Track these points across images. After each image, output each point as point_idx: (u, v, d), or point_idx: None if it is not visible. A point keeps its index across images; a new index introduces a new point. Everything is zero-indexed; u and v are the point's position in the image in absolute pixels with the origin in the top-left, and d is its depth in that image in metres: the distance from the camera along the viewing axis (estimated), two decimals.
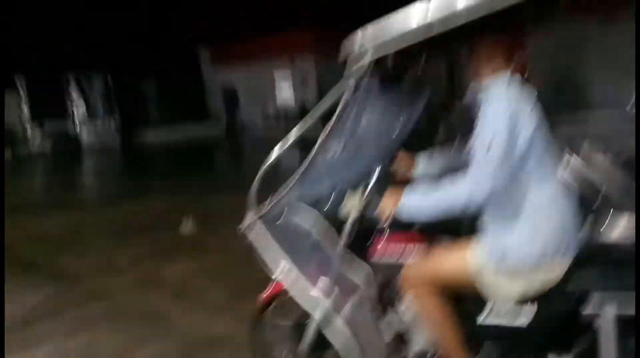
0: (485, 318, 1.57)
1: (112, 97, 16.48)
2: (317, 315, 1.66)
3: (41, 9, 14.57)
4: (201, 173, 9.43)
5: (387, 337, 1.78)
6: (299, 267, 1.67)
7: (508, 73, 1.49)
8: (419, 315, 1.67)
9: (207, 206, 6.04)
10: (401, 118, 1.89)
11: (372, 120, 1.76)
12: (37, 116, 15.01)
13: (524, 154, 1.43)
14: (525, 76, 1.52)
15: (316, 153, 1.61)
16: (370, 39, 1.53)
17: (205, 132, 16.99)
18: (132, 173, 11.16)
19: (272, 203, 1.70)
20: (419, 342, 1.74)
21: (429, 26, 1.37)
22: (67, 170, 11.93)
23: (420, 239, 1.71)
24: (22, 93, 15.15)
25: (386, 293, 1.81)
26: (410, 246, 1.72)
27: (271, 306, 1.98)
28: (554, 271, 1.47)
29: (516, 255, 1.49)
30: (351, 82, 1.56)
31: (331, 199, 1.81)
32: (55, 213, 6.37)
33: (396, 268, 1.71)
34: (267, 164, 1.69)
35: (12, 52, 14.29)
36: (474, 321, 1.59)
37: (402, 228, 1.72)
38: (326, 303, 1.64)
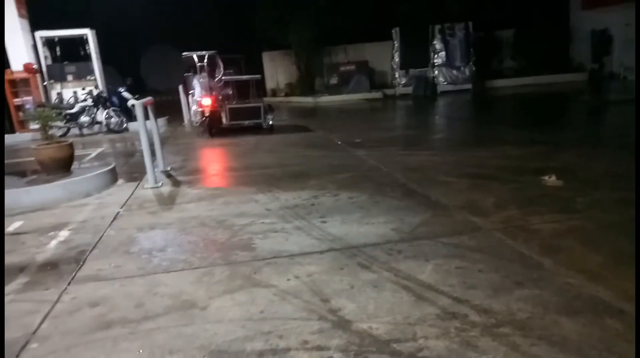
0: None
1: (470, 46, 17.93)
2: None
3: None
4: (554, 124, 8.98)
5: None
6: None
7: None
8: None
9: (561, 160, 5.69)
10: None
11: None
12: (405, 63, 18.02)
13: None
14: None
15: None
16: None
17: (566, 81, 17.14)
18: (481, 119, 11.58)
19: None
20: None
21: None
22: (421, 112, 13.57)
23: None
24: (396, 44, 18.18)
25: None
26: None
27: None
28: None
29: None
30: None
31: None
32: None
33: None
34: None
35: (393, 9, 17.72)
36: None
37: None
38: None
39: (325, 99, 17.73)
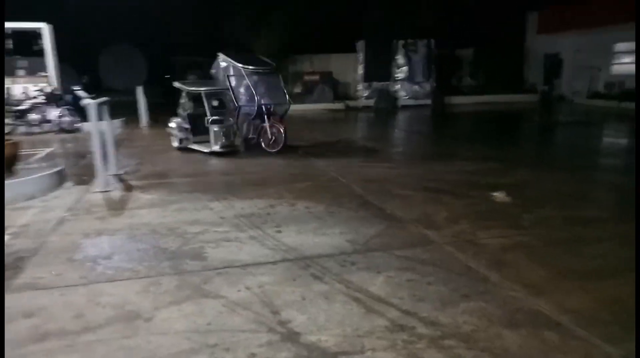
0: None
1: (432, 62, 18.19)
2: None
3: None
4: (506, 142, 9.30)
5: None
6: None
7: None
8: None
9: (512, 177, 5.86)
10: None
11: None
12: (368, 76, 18.23)
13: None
14: None
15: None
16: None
17: (519, 101, 17.77)
18: (439, 134, 11.76)
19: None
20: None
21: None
22: (382, 125, 13.66)
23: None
24: (361, 57, 18.33)
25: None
26: None
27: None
28: None
29: None
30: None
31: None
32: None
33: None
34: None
35: (359, 21, 17.74)
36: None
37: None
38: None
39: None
